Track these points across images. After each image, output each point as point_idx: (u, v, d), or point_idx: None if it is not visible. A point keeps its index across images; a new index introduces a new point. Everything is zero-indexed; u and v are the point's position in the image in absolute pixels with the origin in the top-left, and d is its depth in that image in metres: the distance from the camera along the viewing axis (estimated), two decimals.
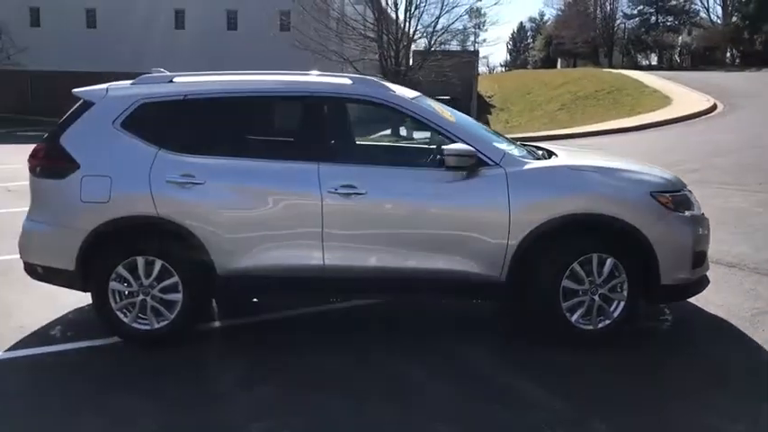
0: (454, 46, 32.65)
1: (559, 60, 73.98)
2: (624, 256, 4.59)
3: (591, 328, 4.64)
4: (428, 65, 24.52)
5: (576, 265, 4.56)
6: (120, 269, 4.73)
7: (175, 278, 4.71)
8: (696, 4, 62.98)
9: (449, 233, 4.62)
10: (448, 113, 5.03)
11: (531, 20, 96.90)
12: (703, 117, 22.18)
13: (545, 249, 4.55)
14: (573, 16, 66.00)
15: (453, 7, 24.39)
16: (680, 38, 61.30)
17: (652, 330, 5.04)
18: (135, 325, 4.77)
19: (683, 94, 27.54)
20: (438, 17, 23.88)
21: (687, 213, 4.71)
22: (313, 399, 4.04)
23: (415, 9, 23.65)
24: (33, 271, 4.99)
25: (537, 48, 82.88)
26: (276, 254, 4.68)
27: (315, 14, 24.60)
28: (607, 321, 4.65)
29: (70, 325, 5.32)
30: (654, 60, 63.61)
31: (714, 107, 23.66)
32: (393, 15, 24.77)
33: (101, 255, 4.73)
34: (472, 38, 43.31)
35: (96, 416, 3.89)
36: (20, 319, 5.36)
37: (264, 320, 5.33)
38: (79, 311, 5.54)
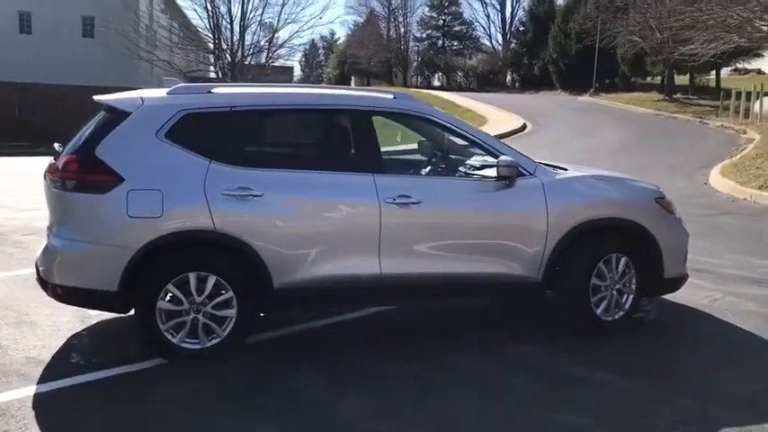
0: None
1: (353, 79, 76.66)
2: (635, 254, 5.27)
3: (610, 319, 5.26)
4: (264, 78, 24.52)
5: (601, 264, 5.15)
6: (170, 287, 4.51)
7: (230, 293, 4.59)
8: (478, 31, 68.64)
9: (496, 238, 5.00)
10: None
11: (323, 38, 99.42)
12: (518, 134, 24.44)
13: (576, 251, 5.08)
14: (367, 37, 68.77)
15: (289, 22, 24.63)
16: (467, 61, 66.32)
17: (641, 319, 5.75)
18: (184, 345, 4.57)
19: (492, 113, 30.07)
20: (275, 31, 24.00)
21: (677, 215, 5.52)
22: (410, 400, 4.20)
23: (247, 23, 23.59)
24: (64, 293, 4.57)
25: (331, 65, 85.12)
26: (333, 264, 4.74)
27: (123, 23, 23.78)
28: (621, 313, 5.30)
29: (86, 351, 4.92)
30: (444, 81, 68.13)
31: (525, 126, 26.17)
32: (228, 27, 24.49)
33: (149, 273, 4.48)
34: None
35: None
36: (27, 351, 4.87)
37: (295, 331, 5.33)
38: (80, 336, 5.15)
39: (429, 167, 5.49)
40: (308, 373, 4.57)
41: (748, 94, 25.85)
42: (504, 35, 62.31)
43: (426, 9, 68.56)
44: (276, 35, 24.43)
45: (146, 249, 4.44)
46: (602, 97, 39.06)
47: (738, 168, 15.39)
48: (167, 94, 4.80)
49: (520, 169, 5.02)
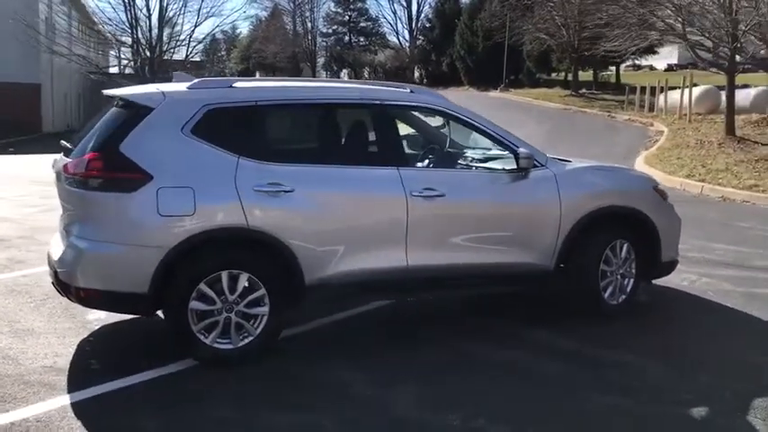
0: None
1: (258, 73, 75.55)
2: (636, 240, 5.54)
3: (615, 303, 5.51)
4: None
5: (608, 251, 5.39)
6: (203, 286, 4.39)
7: (262, 291, 4.51)
8: (385, 28, 69.08)
9: (514, 229, 5.15)
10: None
11: (224, 32, 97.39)
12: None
13: (586, 239, 5.30)
14: (272, 31, 67.88)
15: (210, 16, 24.05)
16: (375, 57, 66.62)
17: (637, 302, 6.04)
18: (216, 345, 4.47)
19: None
20: (196, 25, 23.38)
21: (669, 202, 5.85)
22: (454, 390, 4.29)
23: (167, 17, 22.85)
24: (89, 297, 4.37)
25: (235, 60, 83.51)
26: (362, 258, 4.75)
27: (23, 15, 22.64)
28: (623, 296, 5.57)
29: (104, 356, 4.73)
30: (352, 77, 68.19)
31: (446, 123, 26.57)
32: (146, 22, 23.63)
33: (181, 272, 4.35)
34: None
35: None
36: (39, 360, 4.62)
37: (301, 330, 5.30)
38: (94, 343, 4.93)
39: (453, 160, 5.57)
40: (343, 368, 4.55)
41: (652, 89, 27.31)
42: (410, 32, 62.87)
43: (332, 5, 68.42)
44: (194, 29, 23.90)
45: (178, 248, 4.31)
46: (512, 93, 40.26)
47: (660, 159, 16.32)
48: (188, 88, 4.66)
49: (534, 161, 5.18)
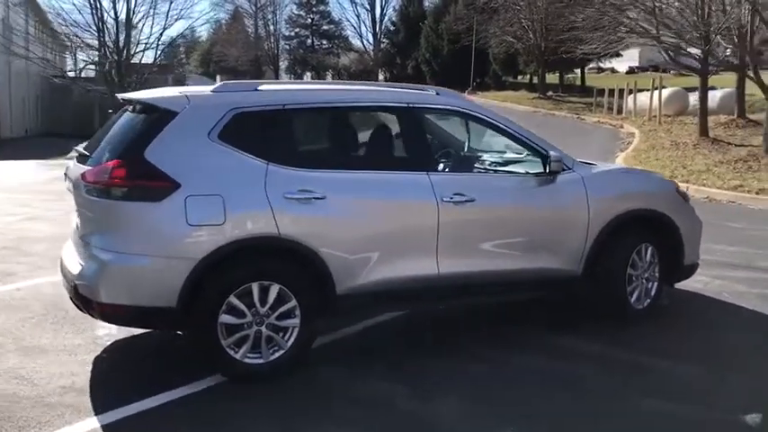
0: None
1: (219, 77, 74.66)
2: (660, 243, 5.48)
3: (641, 307, 5.44)
4: (152, 77, 23.35)
5: (634, 255, 5.32)
6: (233, 299, 4.18)
7: (293, 302, 4.32)
8: (348, 31, 68.89)
9: (543, 233, 5.04)
10: None
11: (182, 35, 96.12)
12: None
13: (614, 243, 5.21)
14: (234, 34, 67.14)
15: (178, 19, 23.59)
16: (340, 60, 66.39)
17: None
18: (246, 360, 4.26)
19: None
20: (164, 28, 22.88)
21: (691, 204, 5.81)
22: (496, 401, 4.17)
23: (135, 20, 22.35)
24: (113, 313, 4.12)
25: (194, 63, 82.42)
26: (393, 266, 4.59)
27: None
28: (648, 300, 5.50)
29: (124, 374, 4.49)
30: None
31: None
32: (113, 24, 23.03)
33: (211, 285, 4.13)
34: None
35: None
36: (56, 380, 4.36)
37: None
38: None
39: (478, 163, 5.45)
40: (380, 380, 4.39)
41: (621, 91, 27.69)
42: (374, 35, 62.81)
43: (294, 7, 67.95)
44: (163, 32, 23.43)
45: (208, 260, 4.09)
46: (479, 96, 40.42)
47: (639, 160, 16.48)
48: (212, 92, 4.45)
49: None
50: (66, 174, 4.70)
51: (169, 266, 4.06)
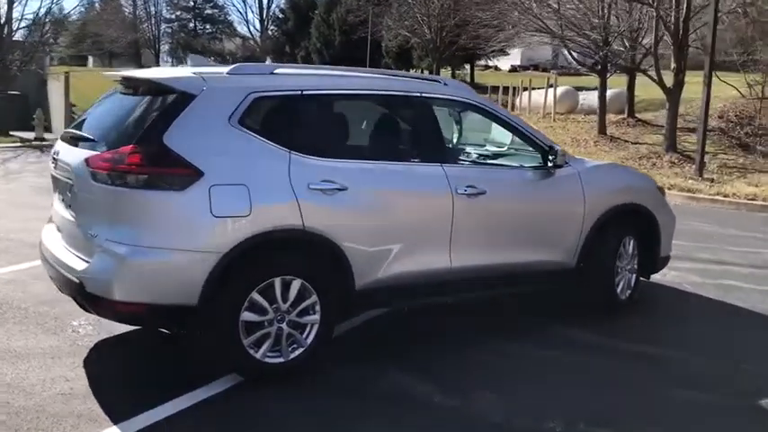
0: None
1: (91, 59, 70.72)
2: (641, 237, 5.68)
3: (624, 298, 5.62)
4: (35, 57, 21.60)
5: (621, 248, 5.48)
6: (255, 295, 3.93)
7: (314, 298, 4.12)
8: (233, 16, 67.20)
9: (547, 226, 5.09)
10: None
11: (50, 13, 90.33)
12: None
13: (605, 236, 5.34)
14: (110, 14, 63.76)
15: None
16: (226, 46, 64.60)
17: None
18: (267, 360, 4.03)
19: None
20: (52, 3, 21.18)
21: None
22: (522, 393, 4.16)
23: None
24: (128, 312, 3.76)
25: (65, 44, 77.63)
26: (410, 260, 4.48)
27: None
28: (629, 292, 5.69)
29: (125, 377, 4.13)
30: None
31: None
32: None
33: (233, 281, 3.86)
34: None
35: None
36: (49, 387, 3.93)
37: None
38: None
39: (485, 156, 5.41)
40: (409, 375, 4.27)
41: (515, 89, 28.59)
42: (261, 21, 61.61)
43: None
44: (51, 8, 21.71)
45: (232, 254, 3.81)
46: None
47: None
48: (228, 74, 4.15)
49: None
50: (54, 157, 4.24)
51: (191, 261, 3.75)
